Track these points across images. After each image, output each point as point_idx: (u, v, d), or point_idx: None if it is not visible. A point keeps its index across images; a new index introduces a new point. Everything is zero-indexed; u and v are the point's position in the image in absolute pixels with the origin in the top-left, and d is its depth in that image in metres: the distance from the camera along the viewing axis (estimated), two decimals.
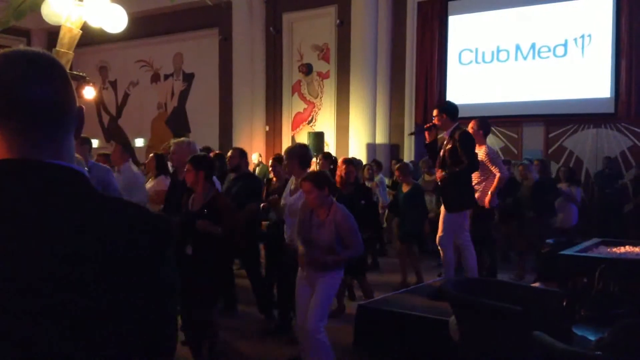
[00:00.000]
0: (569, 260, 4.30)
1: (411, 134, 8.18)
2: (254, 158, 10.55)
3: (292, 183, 4.85)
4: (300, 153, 4.81)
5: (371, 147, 12.49)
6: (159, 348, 1.05)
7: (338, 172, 6.15)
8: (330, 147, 13.23)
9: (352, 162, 6.04)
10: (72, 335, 0.94)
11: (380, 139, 12.67)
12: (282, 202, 4.97)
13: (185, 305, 4.16)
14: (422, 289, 5.81)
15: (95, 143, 16.15)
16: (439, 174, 5.35)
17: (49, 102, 1.04)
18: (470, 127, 6.08)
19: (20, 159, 1.02)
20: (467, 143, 5.26)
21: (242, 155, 6.15)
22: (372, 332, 5.06)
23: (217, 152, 8.12)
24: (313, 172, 4.26)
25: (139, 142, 16.00)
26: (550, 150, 11.32)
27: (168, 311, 1.05)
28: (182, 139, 5.34)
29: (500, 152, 11.59)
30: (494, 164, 6.04)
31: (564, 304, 3.71)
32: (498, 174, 5.96)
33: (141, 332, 1.01)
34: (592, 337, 3.37)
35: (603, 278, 3.93)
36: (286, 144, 14.05)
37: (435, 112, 5.45)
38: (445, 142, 5.34)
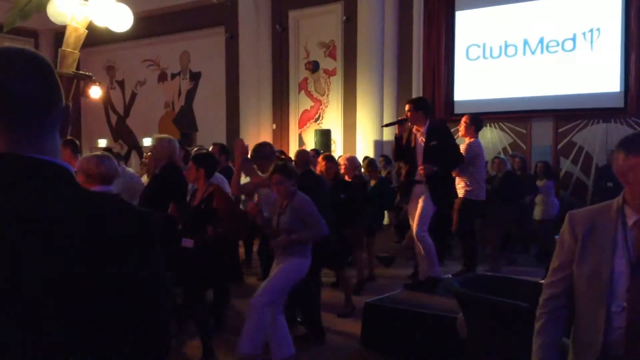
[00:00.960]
0: None
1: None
2: None
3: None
4: (270, 152, 5.24)
5: (378, 144, 12.44)
6: (150, 345, 1.02)
7: (318, 168, 6.20)
8: (337, 144, 13.20)
9: (331, 159, 6.21)
10: (56, 335, 0.92)
11: (388, 135, 12.59)
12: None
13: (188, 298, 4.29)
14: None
15: (103, 142, 16.23)
16: (426, 167, 5.38)
17: (36, 98, 1.04)
18: (463, 122, 6.27)
19: (5, 153, 1.01)
20: (453, 139, 5.68)
21: (222, 151, 6.68)
22: (379, 330, 5.03)
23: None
24: (280, 164, 4.40)
25: (147, 142, 16.02)
26: (559, 146, 11.22)
27: (158, 306, 1.03)
28: (164, 135, 5.38)
29: (509, 148, 11.53)
30: (468, 152, 6.21)
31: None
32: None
33: (130, 329, 0.99)
34: None
35: None
36: (293, 142, 14.04)
37: (408, 107, 5.56)
38: (425, 138, 5.43)
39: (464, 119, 6.30)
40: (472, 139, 6.25)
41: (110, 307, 0.96)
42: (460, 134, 6.52)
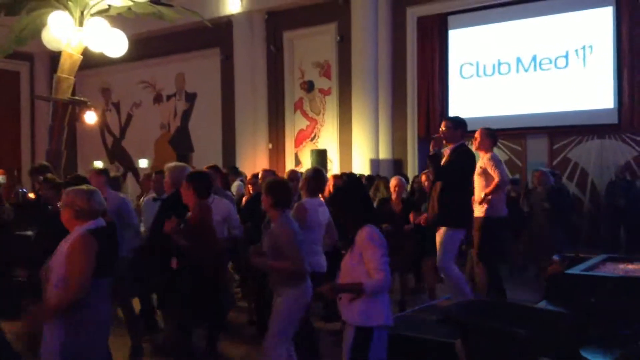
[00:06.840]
0: (575, 280, 4.22)
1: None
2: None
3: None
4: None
5: (375, 163, 12.45)
6: None
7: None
8: (333, 163, 13.21)
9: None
10: None
11: (384, 154, 12.63)
12: None
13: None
14: (429, 310, 5.72)
15: (99, 164, 16.21)
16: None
17: None
18: (477, 135, 5.93)
19: None
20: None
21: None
22: None
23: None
24: None
25: (143, 163, 16.02)
26: (555, 162, 11.25)
27: None
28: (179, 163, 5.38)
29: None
30: (497, 168, 5.83)
31: (572, 325, 3.64)
32: (497, 179, 5.75)
33: None
34: None
35: (611, 297, 3.86)
36: (290, 161, 14.03)
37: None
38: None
39: (478, 132, 5.94)
40: (488, 152, 5.88)
41: None
42: (474, 147, 6.05)
